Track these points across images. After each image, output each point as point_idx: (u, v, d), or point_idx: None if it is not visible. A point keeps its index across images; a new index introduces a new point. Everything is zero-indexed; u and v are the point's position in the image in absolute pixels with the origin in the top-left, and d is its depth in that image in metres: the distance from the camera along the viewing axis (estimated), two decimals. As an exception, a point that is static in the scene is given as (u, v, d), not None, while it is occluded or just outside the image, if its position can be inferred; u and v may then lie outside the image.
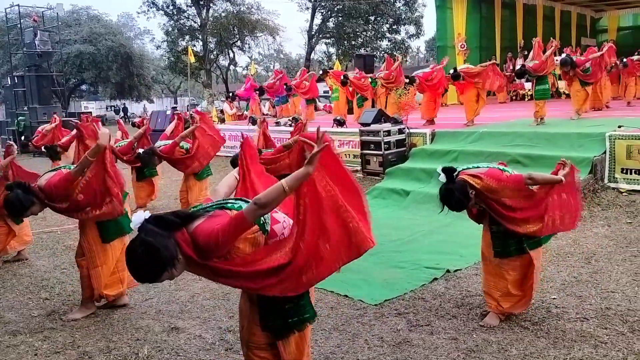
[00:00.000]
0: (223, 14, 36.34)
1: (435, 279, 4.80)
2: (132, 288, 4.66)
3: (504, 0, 18.89)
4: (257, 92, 16.57)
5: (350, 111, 14.08)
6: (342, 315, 4.15)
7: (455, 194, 3.52)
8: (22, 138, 14.38)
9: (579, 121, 9.25)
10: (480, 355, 3.42)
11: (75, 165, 4.06)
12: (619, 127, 7.37)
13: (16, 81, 21.20)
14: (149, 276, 2.20)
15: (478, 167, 3.68)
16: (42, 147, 9.97)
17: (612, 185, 7.00)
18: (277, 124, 13.63)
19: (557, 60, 10.03)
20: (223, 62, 41.16)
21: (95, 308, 4.41)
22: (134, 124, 12.14)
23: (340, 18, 35.04)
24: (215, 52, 38.15)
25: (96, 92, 46.33)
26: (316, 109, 16.73)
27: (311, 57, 37.70)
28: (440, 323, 3.90)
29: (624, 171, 6.96)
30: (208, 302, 4.50)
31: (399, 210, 7.52)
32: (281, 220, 2.53)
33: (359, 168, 9.65)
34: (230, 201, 2.49)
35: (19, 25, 21.42)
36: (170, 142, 7.21)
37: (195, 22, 36.43)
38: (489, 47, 18.63)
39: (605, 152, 7.11)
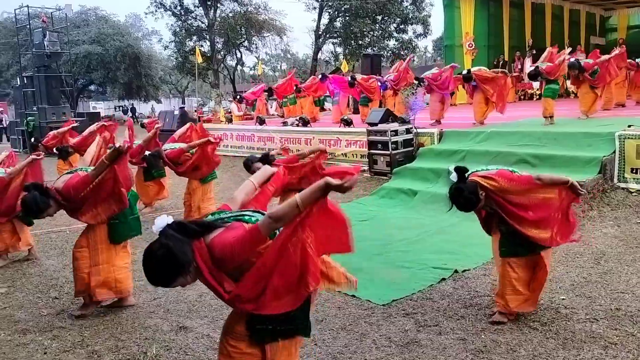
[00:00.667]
0: (230, 14, 36.45)
1: (443, 279, 4.79)
2: (130, 292, 4.63)
3: (512, -2, 18.83)
4: (266, 92, 16.60)
5: (357, 111, 14.07)
6: (349, 315, 4.15)
7: (465, 193, 3.53)
8: (32, 139, 14.46)
9: (588, 121, 9.19)
10: (488, 355, 3.40)
11: (93, 168, 4.10)
12: (629, 126, 7.31)
13: (25, 82, 21.33)
14: (163, 280, 2.25)
15: (488, 169, 3.70)
16: (54, 149, 10.15)
17: (622, 185, 6.94)
18: (285, 124, 13.65)
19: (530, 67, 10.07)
20: (230, 62, 41.30)
21: (97, 301, 4.41)
22: (142, 125, 12.20)
23: (347, 18, 35.01)
24: (222, 53, 38.27)
25: (104, 93, 46.54)
26: (322, 109, 16.73)
27: (318, 57, 37.71)
28: (449, 323, 3.89)
29: (634, 171, 6.90)
30: (216, 302, 4.50)
31: (406, 210, 7.50)
32: None
33: (366, 168, 9.65)
34: (247, 214, 2.51)
35: (28, 26, 21.53)
36: (177, 146, 7.22)
37: (202, 23, 36.56)
38: (497, 46, 18.55)
39: (614, 152, 7.06)
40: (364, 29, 34.09)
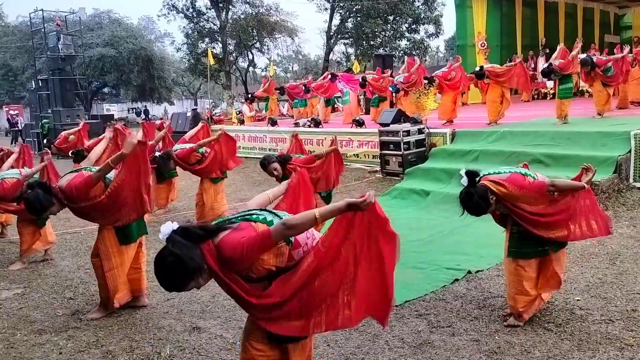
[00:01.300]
0: (242, 16, 36.55)
1: (456, 279, 4.76)
2: (147, 292, 4.68)
3: (524, -3, 18.71)
4: (277, 90, 16.63)
5: (369, 111, 14.04)
6: (362, 316, 4.14)
7: (475, 198, 3.51)
8: (45, 141, 14.62)
9: (603, 120, 9.10)
10: (502, 357, 3.38)
11: (97, 169, 4.11)
12: (645, 125, 7.23)
13: (40, 85, 21.59)
14: (176, 285, 2.29)
15: (499, 173, 3.65)
16: (70, 153, 10.21)
17: (638, 185, 6.87)
18: (296, 124, 13.67)
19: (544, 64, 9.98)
20: (242, 63, 41.39)
21: (114, 308, 4.45)
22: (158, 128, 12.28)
23: (358, 18, 34.94)
24: (234, 54, 38.38)
25: (118, 95, 46.94)
26: (334, 110, 16.71)
27: (330, 57, 37.68)
28: (462, 324, 3.87)
29: (650, 170, 6.83)
30: (229, 302, 4.51)
31: (418, 211, 7.47)
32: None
33: (378, 168, 9.63)
34: (255, 212, 2.52)
35: (42, 30, 21.81)
36: (187, 146, 7.27)
37: (214, 25, 36.71)
38: (510, 46, 18.43)
39: (630, 151, 6.98)
40: (376, 29, 33.99)
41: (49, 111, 19.87)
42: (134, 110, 47.88)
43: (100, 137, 9.45)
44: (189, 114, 19.22)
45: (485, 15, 18.14)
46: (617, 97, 10.38)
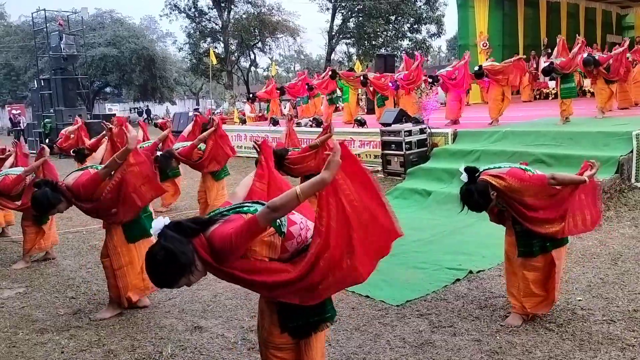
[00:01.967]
0: (244, 16, 36.61)
1: (458, 279, 4.76)
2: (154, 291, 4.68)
3: (526, -3, 18.69)
4: (278, 91, 16.64)
5: (371, 111, 14.02)
6: (363, 315, 4.15)
7: (475, 195, 3.50)
8: (47, 140, 14.65)
9: (605, 120, 9.08)
10: (503, 357, 3.38)
11: (103, 166, 4.12)
12: (647, 125, 7.22)
13: (42, 84, 21.62)
14: (167, 281, 2.25)
15: (500, 167, 3.66)
16: (71, 151, 10.18)
17: (640, 185, 6.86)
18: (299, 124, 13.66)
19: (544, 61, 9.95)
20: (244, 63, 41.47)
21: (123, 308, 4.47)
22: (156, 125, 12.30)
23: (360, 18, 34.97)
24: (236, 54, 38.45)
25: (120, 94, 47.04)
26: (336, 109, 16.71)
27: (331, 57, 37.70)
28: (463, 324, 3.87)
29: (652, 171, 6.82)
30: (230, 302, 4.53)
31: (420, 211, 7.47)
32: (298, 221, 2.53)
33: (379, 168, 9.62)
34: (246, 204, 2.51)
35: (45, 29, 21.83)
36: (188, 144, 7.28)
37: (216, 24, 36.77)
38: (512, 46, 18.41)
39: (632, 151, 6.97)
40: (378, 29, 34.03)
41: (51, 111, 19.90)
42: (136, 110, 47.97)
43: (100, 135, 9.48)
44: (190, 113, 19.25)
45: (487, 15, 18.12)
46: (617, 98, 10.35)
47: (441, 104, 11.32)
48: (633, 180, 6.91)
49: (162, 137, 7.58)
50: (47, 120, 19.62)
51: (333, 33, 36.14)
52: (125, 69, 36.66)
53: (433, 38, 37.17)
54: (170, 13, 36.99)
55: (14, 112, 31.73)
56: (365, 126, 11.39)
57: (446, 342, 3.61)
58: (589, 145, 7.46)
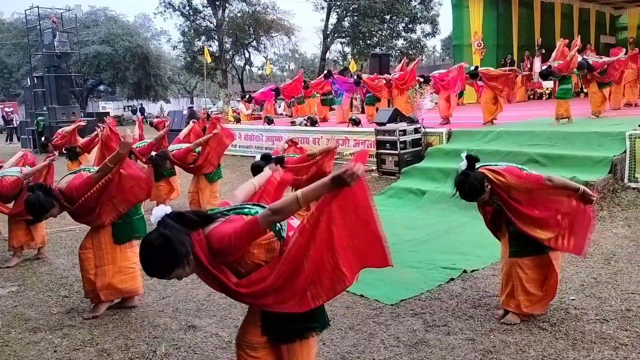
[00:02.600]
0: (239, 14, 36.55)
1: (452, 279, 4.77)
2: (140, 295, 4.62)
3: (521, -3, 18.74)
4: (274, 92, 16.63)
5: (363, 111, 14.05)
6: (358, 314, 4.15)
7: (470, 179, 3.52)
8: (43, 138, 14.56)
9: (599, 120, 9.13)
10: (497, 356, 3.39)
11: (96, 170, 4.10)
12: (640, 126, 7.27)
13: (36, 82, 21.50)
14: (160, 271, 2.21)
15: (497, 165, 3.68)
16: (63, 149, 10.13)
17: (633, 185, 6.89)
18: (293, 123, 13.65)
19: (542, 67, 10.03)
20: (239, 62, 41.40)
21: (106, 300, 4.39)
22: (152, 124, 12.27)
23: (355, 17, 34.97)
24: (231, 52, 38.37)
25: (114, 93, 46.84)
26: (331, 109, 16.72)
27: (326, 56, 37.71)
28: (457, 324, 3.88)
29: (645, 171, 6.85)
30: (224, 301, 4.51)
31: (414, 210, 7.49)
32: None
33: (374, 167, 9.63)
34: (247, 206, 2.47)
35: (38, 27, 21.71)
36: (184, 146, 7.26)
37: (211, 23, 36.68)
38: (506, 46, 18.48)
39: (625, 152, 7.00)
40: (372, 29, 34.05)
41: (44, 108, 19.79)
42: (130, 108, 47.81)
43: (93, 135, 9.44)
44: (185, 112, 19.20)
45: (481, 15, 18.17)
46: (610, 101, 10.42)
47: (435, 103, 11.36)
48: (626, 180, 6.94)
49: (159, 137, 7.56)
50: (40, 118, 19.51)
51: (328, 32, 36.13)
52: (119, 67, 36.53)
53: (428, 38, 37.24)
54: (165, 11, 36.91)
55: (6, 109, 31.56)
56: (360, 125, 11.39)
57: (440, 341, 3.62)
58: (583, 146, 7.50)
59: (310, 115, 13.74)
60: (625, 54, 10.75)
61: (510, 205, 3.61)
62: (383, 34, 35.51)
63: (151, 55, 38.48)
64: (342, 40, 37.61)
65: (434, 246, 5.82)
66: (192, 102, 46.34)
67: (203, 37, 37.16)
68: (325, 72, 14.55)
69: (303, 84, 15.16)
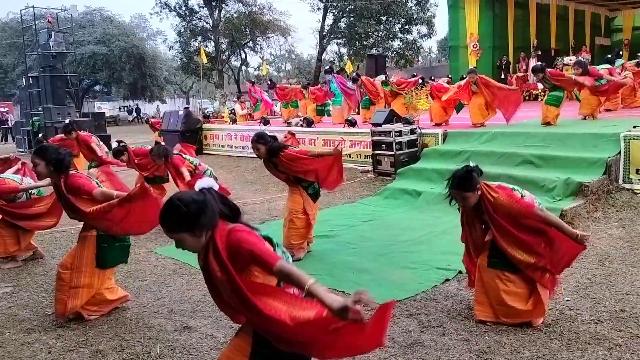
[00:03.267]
0: (235, 15, 36.54)
1: (447, 279, 4.78)
2: (126, 301, 4.55)
3: (517, -1, 18.82)
4: (269, 86, 16.65)
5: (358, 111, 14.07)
6: (353, 315, 4.14)
7: (469, 171, 3.53)
8: (39, 136, 14.46)
9: (593, 121, 9.17)
10: (492, 357, 3.39)
11: (110, 192, 4.08)
12: (634, 127, 7.29)
13: (31, 82, 21.40)
14: (174, 223, 2.20)
15: (492, 183, 3.70)
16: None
17: (627, 186, 6.92)
18: (289, 124, 13.64)
19: (570, 60, 9.99)
20: (235, 62, 41.41)
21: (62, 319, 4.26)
22: (147, 122, 12.22)
23: (351, 18, 35.03)
24: (227, 53, 38.37)
25: (109, 93, 46.75)
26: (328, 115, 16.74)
27: (323, 57, 37.72)
28: (452, 324, 3.88)
29: (639, 172, 6.88)
30: (220, 302, 4.50)
31: (410, 211, 7.49)
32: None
33: (370, 168, 9.63)
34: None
35: (33, 27, 21.62)
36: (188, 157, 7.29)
37: (207, 23, 36.66)
38: (502, 47, 18.55)
39: (619, 153, 7.04)
40: (369, 30, 34.10)
41: (40, 109, 19.69)
42: (126, 108, 47.72)
43: (60, 135, 9.14)
44: (181, 112, 19.15)
45: (477, 16, 18.23)
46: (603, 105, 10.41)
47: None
48: (620, 181, 6.97)
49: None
50: (35, 118, 19.42)
51: (324, 33, 36.15)
52: (115, 67, 36.44)
53: (424, 39, 37.36)
54: (161, 11, 36.88)
55: (1, 109, 31.39)
56: (356, 126, 11.40)
57: (435, 342, 3.63)
58: (578, 147, 7.53)
59: (307, 116, 13.73)
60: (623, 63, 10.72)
61: (494, 220, 3.60)
62: (379, 35, 35.57)
63: (147, 56, 38.41)
64: (339, 41, 37.65)
65: (429, 247, 5.83)
66: (188, 103, 46.33)
67: (199, 38, 37.13)
68: (327, 67, 14.61)
69: (302, 84, 15.20)
